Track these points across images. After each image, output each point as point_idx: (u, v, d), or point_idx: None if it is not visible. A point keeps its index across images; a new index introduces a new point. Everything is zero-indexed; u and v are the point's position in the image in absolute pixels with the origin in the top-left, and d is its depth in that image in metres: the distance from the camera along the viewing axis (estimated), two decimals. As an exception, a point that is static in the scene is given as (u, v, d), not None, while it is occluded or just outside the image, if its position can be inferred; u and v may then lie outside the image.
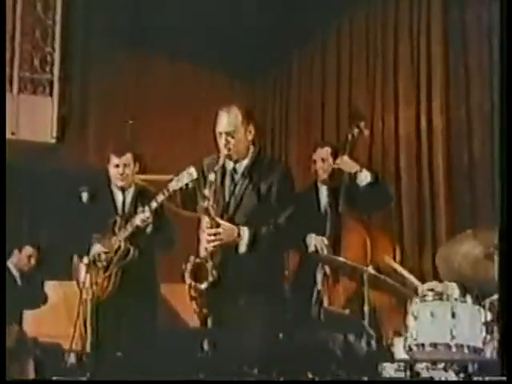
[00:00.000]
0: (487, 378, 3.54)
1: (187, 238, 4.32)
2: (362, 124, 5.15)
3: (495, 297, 3.80)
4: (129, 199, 4.86)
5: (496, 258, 3.82)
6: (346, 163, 5.00)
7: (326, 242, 4.91)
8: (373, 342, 3.93)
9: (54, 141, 6.72)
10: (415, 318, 3.84)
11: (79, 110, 7.24)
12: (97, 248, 4.67)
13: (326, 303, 4.77)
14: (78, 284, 4.63)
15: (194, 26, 6.68)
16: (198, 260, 3.79)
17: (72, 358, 4.93)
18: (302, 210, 4.09)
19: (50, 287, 6.11)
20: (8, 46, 6.64)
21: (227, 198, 3.92)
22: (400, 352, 3.95)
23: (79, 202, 4.72)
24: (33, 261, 6.77)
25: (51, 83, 6.81)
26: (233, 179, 3.95)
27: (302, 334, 4.00)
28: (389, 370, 3.80)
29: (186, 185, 4.15)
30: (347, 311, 4.76)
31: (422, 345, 3.78)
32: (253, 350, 3.67)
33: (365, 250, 4.92)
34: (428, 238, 5.89)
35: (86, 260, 4.61)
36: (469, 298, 3.83)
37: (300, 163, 6.43)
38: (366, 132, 5.25)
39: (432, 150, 5.98)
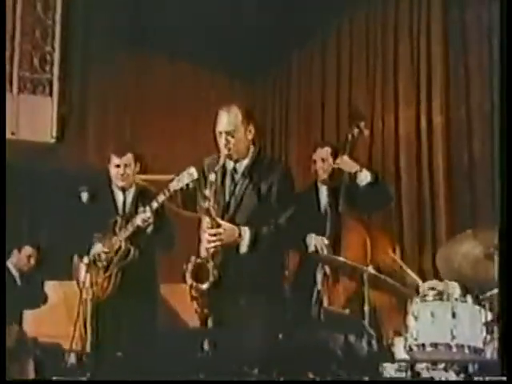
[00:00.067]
0: (487, 379, 3.53)
1: (188, 238, 4.32)
2: (362, 124, 5.15)
3: (494, 291, 3.81)
4: (129, 199, 4.85)
5: (496, 257, 3.82)
6: (345, 163, 5.00)
7: (326, 241, 4.91)
8: (373, 342, 3.92)
9: (53, 140, 6.71)
10: (415, 318, 3.84)
11: (79, 110, 7.24)
12: (97, 248, 4.67)
13: (325, 303, 4.77)
14: (78, 284, 4.62)
15: (193, 26, 6.68)
16: (198, 260, 3.78)
17: (72, 358, 4.92)
18: (302, 210, 4.09)
19: (50, 287, 6.09)
20: (8, 46, 6.63)
21: (227, 198, 3.91)
22: (400, 352, 3.95)
23: (79, 202, 4.71)
24: (32, 261, 6.77)
25: (51, 83, 6.80)
26: (233, 179, 3.94)
27: (302, 334, 3.99)
28: (389, 370, 3.80)
29: (187, 185, 4.15)
30: (347, 311, 4.76)
31: (423, 345, 3.78)
32: (253, 350, 3.67)
33: (365, 249, 4.92)
34: (428, 238, 5.89)
35: (86, 260, 4.60)
36: (469, 298, 3.83)
37: (300, 163, 6.43)
38: (366, 132, 5.25)
39: (432, 149, 5.98)
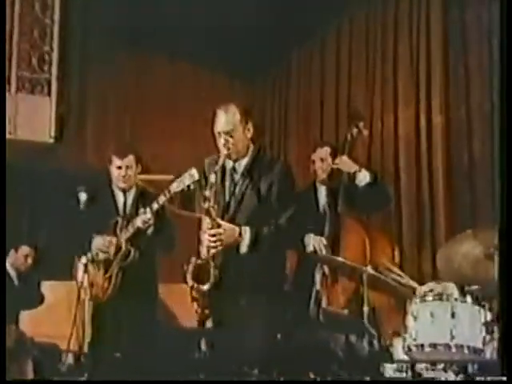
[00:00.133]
0: (487, 379, 3.52)
1: (188, 239, 4.31)
2: (361, 124, 5.15)
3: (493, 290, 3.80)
4: (130, 200, 4.85)
5: (496, 258, 3.81)
6: (345, 163, 5.00)
7: (324, 242, 4.91)
8: (375, 342, 3.92)
9: (52, 140, 6.68)
10: (415, 318, 3.83)
11: (77, 110, 7.23)
12: (95, 247, 4.66)
13: (324, 303, 4.76)
14: (77, 284, 4.61)
15: (193, 25, 6.67)
16: (199, 261, 3.77)
17: (70, 359, 4.91)
18: (302, 209, 4.07)
19: (47, 287, 6.08)
20: (6, 45, 6.61)
21: (227, 198, 3.89)
22: (399, 352, 3.94)
23: (77, 202, 4.70)
24: (29, 260, 6.74)
25: (49, 83, 6.77)
26: (233, 179, 3.92)
27: (302, 334, 3.99)
28: (388, 370, 3.79)
29: (188, 186, 4.15)
30: (346, 311, 4.75)
31: (422, 345, 3.77)
32: (254, 351, 3.66)
33: (364, 250, 4.92)
34: (427, 239, 5.88)
35: (83, 260, 4.59)
36: (469, 298, 3.82)
37: (299, 163, 6.41)
38: (365, 132, 5.25)
39: (431, 149, 5.97)
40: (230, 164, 3.94)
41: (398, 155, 6.21)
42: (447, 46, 5.94)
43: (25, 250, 6.71)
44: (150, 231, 4.65)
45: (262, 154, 4.00)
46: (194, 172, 4.10)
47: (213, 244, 3.74)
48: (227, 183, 3.93)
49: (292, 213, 3.83)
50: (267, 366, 3.62)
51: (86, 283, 4.46)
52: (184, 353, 3.97)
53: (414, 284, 4.33)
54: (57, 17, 6.81)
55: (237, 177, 3.92)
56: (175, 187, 4.29)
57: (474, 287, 3.86)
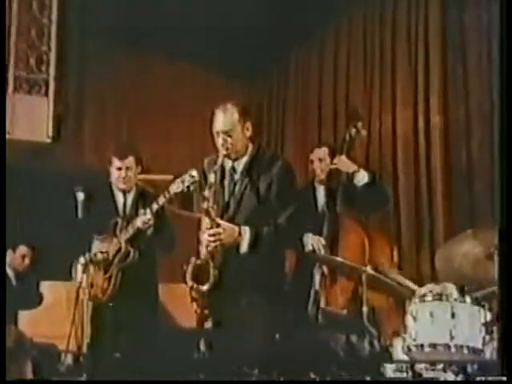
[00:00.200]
0: (487, 379, 3.52)
1: (188, 239, 4.30)
2: (360, 124, 5.15)
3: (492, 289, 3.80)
4: (130, 201, 4.85)
5: (496, 257, 3.81)
6: (343, 163, 5.00)
7: (323, 241, 4.90)
8: (375, 342, 3.91)
9: (49, 140, 6.68)
10: (414, 318, 3.83)
11: (75, 110, 7.21)
12: (95, 248, 4.66)
13: (323, 303, 4.76)
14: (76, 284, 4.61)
15: (192, 26, 6.66)
16: (198, 261, 3.76)
17: (69, 359, 4.90)
18: (301, 208, 4.06)
19: (46, 287, 6.06)
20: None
21: (227, 198, 3.88)
22: (399, 353, 3.94)
23: (74, 202, 4.69)
24: (27, 260, 6.72)
25: (47, 83, 6.76)
26: (232, 178, 3.91)
27: (302, 335, 3.98)
28: (388, 370, 3.79)
29: (188, 187, 4.15)
30: (345, 311, 4.76)
31: (421, 345, 3.77)
32: (254, 351, 3.65)
33: (363, 250, 4.92)
34: (426, 239, 5.89)
35: (82, 260, 4.58)
36: (468, 299, 3.82)
37: (297, 163, 6.42)
38: (364, 132, 5.26)
39: (430, 150, 5.98)
40: (229, 164, 3.93)
41: (396, 155, 6.22)
42: (446, 46, 5.95)
43: (22, 250, 6.69)
44: (149, 232, 4.64)
45: (261, 153, 3.98)
46: (195, 173, 4.10)
47: (212, 244, 3.73)
48: (226, 183, 3.91)
49: (292, 212, 3.82)
50: (267, 366, 3.61)
51: (84, 283, 4.45)
52: (184, 353, 3.96)
53: (414, 286, 4.33)
54: (54, 16, 6.80)
55: (236, 176, 3.91)
56: (175, 188, 4.29)
57: (478, 292, 3.85)
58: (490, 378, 3.44)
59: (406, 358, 3.83)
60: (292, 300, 4.56)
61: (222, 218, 3.80)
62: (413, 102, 6.11)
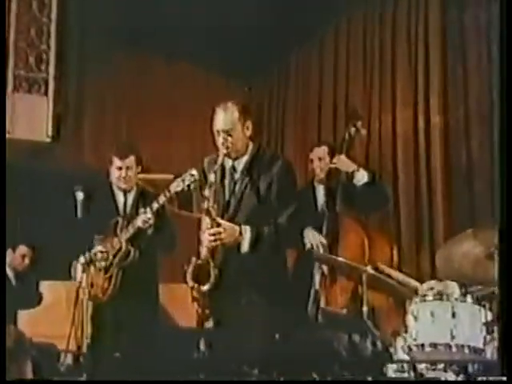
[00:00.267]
0: (489, 379, 3.51)
1: (188, 239, 4.31)
2: (359, 123, 5.15)
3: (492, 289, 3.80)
4: (130, 201, 4.84)
5: (497, 257, 3.81)
6: (343, 162, 5.01)
7: (322, 240, 4.90)
8: (377, 342, 3.91)
9: (49, 140, 6.66)
10: (415, 318, 3.84)
11: (75, 109, 7.20)
12: (95, 247, 4.66)
13: (323, 303, 4.76)
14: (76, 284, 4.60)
15: (191, 26, 6.66)
16: (199, 261, 3.75)
17: (68, 359, 4.89)
18: (301, 207, 4.06)
19: (45, 287, 6.05)
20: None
21: (227, 197, 3.87)
22: (399, 352, 3.94)
23: (74, 202, 4.69)
24: (27, 260, 6.72)
25: (46, 82, 6.75)
26: (232, 178, 3.90)
27: (302, 334, 3.98)
28: (388, 370, 3.78)
29: (188, 186, 4.15)
30: (345, 311, 4.76)
31: (422, 345, 3.78)
32: (254, 350, 3.65)
33: (363, 249, 4.93)
34: (426, 238, 5.89)
35: (82, 259, 4.58)
36: (469, 298, 3.82)
37: (297, 163, 6.42)
38: (363, 131, 5.27)
39: (430, 149, 5.98)
40: (229, 163, 3.92)
41: (396, 155, 6.22)
42: (446, 46, 5.95)
43: (22, 249, 6.69)
44: (150, 231, 4.64)
45: (261, 152, 3.97)
46: (195, 172, 4.10)
47: (213, 243, 3.73)
48: (227, 182, 3.91)
49: (292, 211, 3.81)
50: (267, 365, 3.61)
51: (84, 283, 4.44)
52: (184, 353, 3.95)
53: (415, 283, 4.33)
54: (54, 15, 6.77)
55: (236, 175, 3.90)
56: (175, 187, 4.29)
57: (477, 287, 3.86)
58: (491, 378, 3.43)
59: (406, 357, 3.84)
60: (292, 299, 4.55)
61: (222, 217, 3.80)
62: (413, 101, 6.10)
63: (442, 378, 3.75)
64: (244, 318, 3.70)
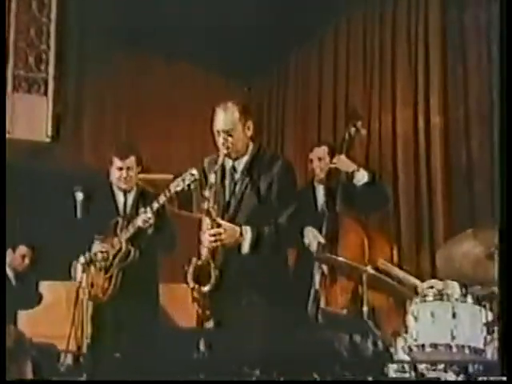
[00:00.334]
0: (490, 379, 3.51)
1: (189, 239, 4.30)
2: (359, 123, 5.15)
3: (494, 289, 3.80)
4: (130, 201, 4.84)
5: (497, 257, 3.80)
6: (342, 162, 5.00)
7: (321, 240, 4.89)
8: (378, 343, 3.91)
9: (48, 140, 6.66)
10: (415, 318, 3.83)
11: (74, 109, 7.19)
12: (95, 247, 4.65)
13: (323, 303, 4.75)
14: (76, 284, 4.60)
15: (191, 26, 6.65)
16: (199, 262, 3.74)
17: (68, 359, 4.89)
18: (302, 207, 4.06)
19: (45, 287, 6.05)
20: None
21: (227, 198, 3.86)
22: (400, 353, 3.94)
23: (74, 202, 4.68)
24: (27, 260, 6.71)
25: (46, 82, 6.74)
26: (232, 178, 3.89)
27: (302, 335, 3.97)
28: (389, 370, 3.78)
29: (188, 185, 4.14)
30: (345, 311, 4.75)
31: (423, 345, 3.77)
32: (255, 351, 3.65)
33: (362, 249, 4.92)
34: (426, 238, 5.89)
35: (82, 260, 4.58)
36: (469, 299, 3.82)
37: (297, 163, 6.41)
38: (363, 131, 5.26)
39: (430, 149, 5.98)
40: (229, 163, 3.91)
41: (396, 155, 6.22)
42: (446, 46, 5.95)
43: (22, 249, 6.68)
44: (150, 231, 4.64)
45: (261, 152, 3.96)
46: (195, 172, 4.09)
47: (213, 244, 3.72)
48: (227, 182, 3.90)
49: (292, 211, 3.80)
50: (268, 366, 3.60)
51: (84, 283, 4.43)
52: (184, 353, 3.95)
53: (415, 280, 4.32)
54: (54, 15, 6.77)
55: (237, 176, 3.89)
56: (175, 186, 4.29)
57: (477, 288, 3.85)
58: (492, 378, 3.43)
59: (407, 358, 3.83)
60: (292, 299, 4.55)
61: (222, 217, 3.79)
62: (413, 101, 6.10)
63: (443, 379, 3.75)
64: (244, 319, 3.69)
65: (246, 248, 3.74)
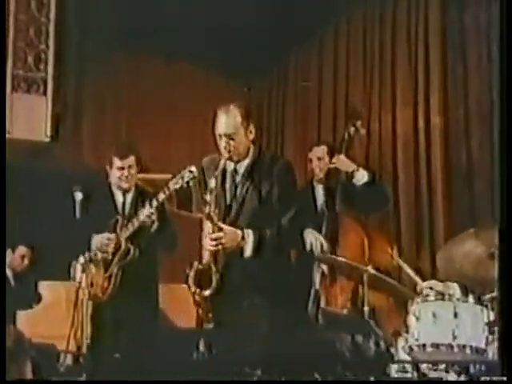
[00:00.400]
0: (492, 379, 3.51)
1: (189, 238, 4.29)
2: (359, 123, 5.15)
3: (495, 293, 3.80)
4: (129, 200, 4.84)
5: (497, 257, 3.79)
6: (342, 162, 5.00)
7: (322, 240, 4.89)
8: (380, 343, 3.90)
9: (48, 140, 6.65)
10: (417, 318, 3.82)
11: (74, 109, 7.18)
12: (95, 245, 4.64)
13: (323, 303, 4.75)
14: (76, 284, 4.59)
15: (191, 26, 6.65)
16: (200, 266, 3.73)
17: (68, 359, 4.88)
18: (302, 209, 4.05)
19: (44, 287, 6.04)
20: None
21: (229, 201, 3.85)
22: (400, 353, 3.93)
23: (73, 202, 4.68)
24: (26, 261, 6.71)
25: (45, 82, 6.74)
26: (234, 181, 3.88)
27: (303, 335, 3.97)
28: (391, 370, 3.77)
29: (187, 183, 4.13)
30: (345, 311, 4.75)
31: (424, 345, 3.76)
32: (256, 352, 3.64)
33: (362, 249, 4.93)
34: (426, 238, 5.89)
35: (82, 259, 4.57)
36: (471, 298, 3.81)
37: (296, 163, 6.41)
38: (363, 131, 5.26)
39: (430, 149, 5.97)
40: (231, 166, 3.89)
41: (396, 155, 6.21)
42: (446, 46, 5.95)
43: (21, 250, 6.67)
44: (153, 228, 4.62)
45: (262, 154, 3.95)
46: (194, 168, 4.08)
47: (214, 248, 3.71)
48: (228, 185, 3.88)
49: (293, 213, 3.80)
50: (269, 367, 3.59)
51: (84, 283, 4.43)
52: (185, 354, 3.94)
53: (418, 279, 4.31)
54: (53, 15, 6.76)
55: (238, 178, 3.87)
56: (174, 184, 4.28)
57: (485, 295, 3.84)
58: (494, 378, 3.42)
59: (407, 358, 3.83)
60: (293, 300, 4.54)
61: (224, 220, 3.78)
62: (413, 101, 6.10)
63: (444, 379, 3.74)
64: (246, 320, 3.68)
65: (248, 252, 3.73)
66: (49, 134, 6.64)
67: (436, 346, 3.74)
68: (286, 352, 3.67)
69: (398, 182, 6.13)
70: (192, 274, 3.72)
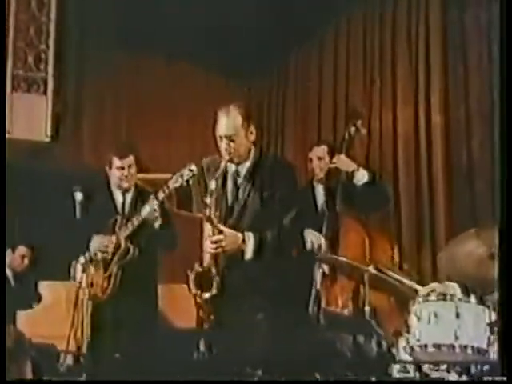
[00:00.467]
0: (494, 379, 3.50)
1: (190, 238, 4.30)
2: (359, 122, 5.14)
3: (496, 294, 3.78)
4: (129, 200, 4.84)
5: (497, 257, 3.79)
6: (342, 162, 5.00)
7: (322, 240, 4.88)
8: (382, 343, 3.90)
9: (48, 139, 6.65)
10: (418, 318, 3.82)
11: (74, 109, 7.18)
12: (94, 247, 4.64)
13: (324, 303, 4.74)
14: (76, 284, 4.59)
15: (191, 26, 6.65)
16: (201, 268, 3.72)
17: (68, 359, 4.87)
18: (303, 209, 4.04)
19: (44, 287, 6.04)
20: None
21: (230, 203, 3.84)
22: (401, 353, 3.92)
23: (73, 202, 4.67)
24: (26, 261, 6.70)
25: (45, 81, 6.74)
26: (235, 183, 3.86)
27: (303, 335, 3.96)
28: (393, 370, 3.77)
29: (187, 181, 4.12)
30: (346, 311, 4.75)
31: (425, 345, 3.76)
32: (258, 352, 3.63)
33: (363, 249, 4.92)
34: (427, 238, 5.88)
35: (82, 259, 4.57)
36: (473, 298, 3.80)
37: (297, 163, 6.40)
38: (363, 130, 5.25)
39: (431, 149, 5.96)
40: (232, 168, 3.88)
41: (396, 154, 6.20)
42: (446, 46, 5.94)
43: (21, 250, 6.67)
44: (153, 228, 4.62)
45: (263, 156, 3.94)
46: (193, 167, 4.07)
47: (214, 251, 3.69)
48: (229, 187, 3.87)
49: (294, 214, 3.78)
50: (271, 367, 3.59)
51: (84, 283, 4.43)
52: (185, 354, 3.94)
53: (417, 286, 4.31)
54: (53, 15, 6.76)
55: (239, 180, 3.86)
56: (174, 182, 4.27)
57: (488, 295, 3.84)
58: (496, 378, 3.41)
59: (409, 358, 3.82)
60: (294, 300, 4.54)
61: (225, 222, 3.76)
62: (413, 101, 6.09)
63: (445, 379, 3.73)
64: (247, 320, 3.67)
65: (248, 254, 3.72)
66: (49, 133, 6.64)
67: (438, 346, 3.73)
68: (287, 352, 3.66)
69: (398, 182, 6.12)
70: (193, 276, 3.70)
